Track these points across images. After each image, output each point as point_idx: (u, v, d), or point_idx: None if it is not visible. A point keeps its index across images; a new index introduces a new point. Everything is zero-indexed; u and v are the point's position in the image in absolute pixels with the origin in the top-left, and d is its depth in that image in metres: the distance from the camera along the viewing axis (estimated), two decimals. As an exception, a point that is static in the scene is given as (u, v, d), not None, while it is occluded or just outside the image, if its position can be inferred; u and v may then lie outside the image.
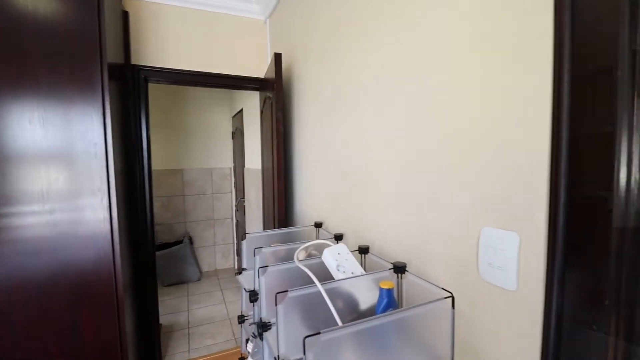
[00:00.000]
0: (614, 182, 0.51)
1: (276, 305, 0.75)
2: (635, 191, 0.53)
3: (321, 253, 0.99)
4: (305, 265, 1.02)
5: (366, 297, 0.89)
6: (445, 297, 0.71)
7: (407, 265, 0.97)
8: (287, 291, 0.76)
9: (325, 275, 0.95)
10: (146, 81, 2.11)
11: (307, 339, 0.55)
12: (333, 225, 1.45)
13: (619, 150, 0.50)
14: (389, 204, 1.07)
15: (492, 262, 0.71)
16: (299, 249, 1.07)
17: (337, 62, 1.40)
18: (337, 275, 0.93)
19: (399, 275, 0.88)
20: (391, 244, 1.06)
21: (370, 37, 1.14)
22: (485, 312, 0.74)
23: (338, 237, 1.26)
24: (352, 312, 0.88)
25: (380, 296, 0.78)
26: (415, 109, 0.93)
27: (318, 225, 1.46)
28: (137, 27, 2.10)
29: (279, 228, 1.63)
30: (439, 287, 0.75)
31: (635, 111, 0.51)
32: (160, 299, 3.07)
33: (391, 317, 0.67)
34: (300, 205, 1.84)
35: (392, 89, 1.03)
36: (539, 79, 0.60)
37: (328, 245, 1.02)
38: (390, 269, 0.88)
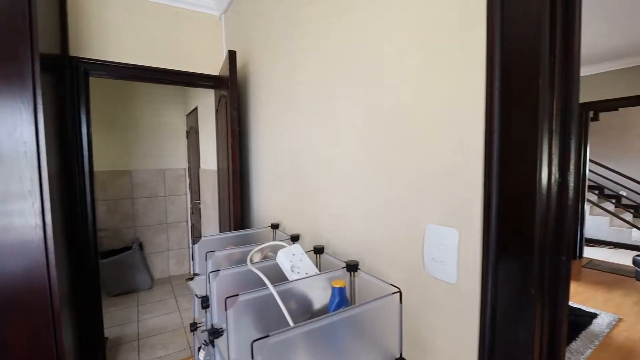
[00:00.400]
0: (537, 181, 0.56)
1: (226, 310, 0.73)
2: (555, 189, 0.59)
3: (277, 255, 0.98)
4: (260, 268, 1.00)
5: (320, 297, 0.90)
6: (393, 293, 0.73)
7: (360, 264, 1.00)
8: (237, 295, 0.74)
9: (280, 277, 0.94)
10: (87, 75, 1.94)
11: (255, 343, 0.54)
12: (290, 226, 1.44)
13: (541, 152, 0.56)
14: (342, 204, 1.09)
15: (435, 257, 0.75)
16: (253, 252, 1.05)
17: (290, 61, 1.40)
18: (291, 276, 0.92)
19: (352, 273, 0.90)
20: (346, 243, 1.08)
21: (323, 36, 1.15)
22: (431, 304, 0.78)
23: (294, 238, 1.26)
24: (306, 313, 0.88)
25: (333, 295, 0.79)
26: (365, 110, 0.96)
27: (275, 226, 1.44)
28: (78, 15, 1.93)
29: (234, 230, 1.59)
30: (388, 284, 0.77)
31: (554, 116, 0.57)
32: (106, 310, 2.85)
33: (341, 315, 0.68)
34: (258, 207, 1.81)
35: (342, 89, 1.05)
36: (474, 89, 0.65)
37: (283, 247, 1.02)
38: (343, 267, 0.90)
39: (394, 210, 0.87)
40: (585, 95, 4.29)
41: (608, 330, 2.76)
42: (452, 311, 0.73)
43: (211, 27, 2.39)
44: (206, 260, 1.13)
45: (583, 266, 4.39)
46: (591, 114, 4.81)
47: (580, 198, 4.49)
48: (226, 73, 1.69)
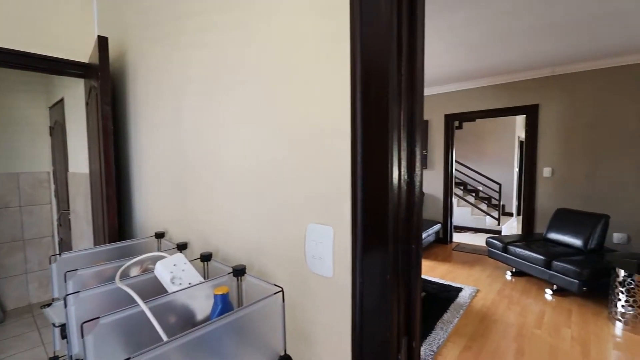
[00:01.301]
0: (389, 182, 0.64)
1: (83, 337, 0.63)
2: (405, 188, 0.69)
3: (158, 266, 0.90)
4: (134, 283, 0.90)
5: (205, 307, 0.85)
6: (275, 293, 0.75)
7: (250, 268, 0.99)
8: (97, 318, 0.65)
9: (161, 291, 0.86)
10: None
11: (109, 370, 0.48)
12: (178, 234, 1.34)
13: (392, 157, 0.65)
14: (232, 208, 1.06)
15: (315, 255, 0.79)
16: (125, 266, 0.93)
17: (175, 53, 1.29)
18: (171, 288, 0.85)
19: (239, 278, 0.88)
20: (236, 248, 1.06)
21: (211, 31, 1.10)
22: (313, 300, 0.82)
23: (181, 247, 1.17)
24: (188, 325, 0.83)
25: (215, 303, 0.76)
26: (251, 113, 0.96)
27: (159, 235, 1.32)
28: None
29: (110, 243, 1.39)
30: (272, 284, 0.79)
31: (401, 126, 0.67)
32: None
33: (219, 322, 0.66)
34: (140, 215, 1.62)
35: (235, 89, 1.03)
36: (344, 101, 0.71)
37: (164, 257, 0.94)
38: (229, 273, 0.87)
39: (280, 212, 0.89)
40: (452, 107, 5.17)
41: (470, 300, 3.38)
42: (330, 303, 0.78)
43: (81, 7, 2.04)
44: (65, 282, 0.96)
45: (453, 249, 5.28)
46: (457, 123, 5.83)
47: (449, 193, 5.39)
48: (96, 61, 1.46)
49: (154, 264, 1.06)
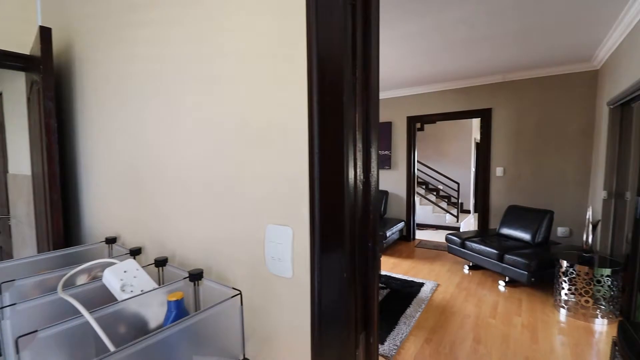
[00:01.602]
0: (344, 182, 0.66)
1: (18, 352, 0.58)
2: (361, 187, 0.71)
3: (107, 273, 0.84)
4: (80, 292, 0.84)
5: (159, 314, 0.82)
6: (233, 296, 0.74)
7: (209, 271, 0.97)
8: (35, 331, 0.60)
9: (112, 300, 0.81)
10: None
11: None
12: (131, 239, 1.27)
13: (347, 158, 0.66)
14: (189, 210, 1.02)
15: (274, 255, 0.79)
16: (69, 275, 0.87)
17: (127, 50, 1.23)
18: (121, 296, 0.81)
19: (196, 283, 0.85)
20: (193, 252, 1.02)
21: (169, 28, 1.06)
22: (273, 301, 0.81)
23: (135, 252, 1.11)
24: (141, 334, 0.79)
25: (169, 310, 0.73)
26: (206, 113, 0.93)
27: (110, 240, 1.24)
28: None
29: (55, 250, 1.28)
30: (230, 287, 0.77)
31: (356, 126, 0.68)
32: None
33: (173, 328, 0.64)
34: (90, 220, 1.51)
35: (190, 87, 0.99)
36: (302, 103, 0.71)
37: (113, 264, 0.88)
38: (185, 278, 0.84)
39: (239, 213, 0.88)
40: (414, 110, 5.36)
41: (431, 294, 3.53)
42: (290, 303, 0.78)
43: (20, -7, 1.87)
44: (1, 293, 0.88)
45: (415, 246, 5.48)
46: (418, 125, 6.07)
47: (412, 192, 5.60)
48: (38, 53, 1.34)
49: (104, 271, 1.00)
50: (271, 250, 0.79)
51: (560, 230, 4.20)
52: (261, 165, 0.81)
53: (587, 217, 3.12)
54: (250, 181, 0.84)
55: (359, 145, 0.68)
